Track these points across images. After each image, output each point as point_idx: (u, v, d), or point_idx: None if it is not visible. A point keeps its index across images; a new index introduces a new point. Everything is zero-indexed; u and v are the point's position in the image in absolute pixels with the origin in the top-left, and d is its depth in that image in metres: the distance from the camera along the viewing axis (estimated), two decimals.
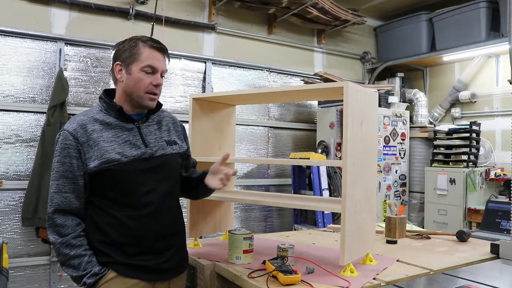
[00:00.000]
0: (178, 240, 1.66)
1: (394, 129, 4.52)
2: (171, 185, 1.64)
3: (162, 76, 1.61)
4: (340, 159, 1.98)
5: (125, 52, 1.56)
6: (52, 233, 1.49)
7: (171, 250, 1.61)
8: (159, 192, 1.58)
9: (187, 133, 1.96)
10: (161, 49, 1.60)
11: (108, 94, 1.63)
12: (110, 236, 1.51)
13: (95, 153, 1.48)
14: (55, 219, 1.48)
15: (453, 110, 4.77)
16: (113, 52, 1.63)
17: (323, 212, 3.94)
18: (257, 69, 4.50)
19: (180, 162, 1.72)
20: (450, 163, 4.22)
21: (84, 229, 1.51)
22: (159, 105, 1.68)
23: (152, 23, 3.53)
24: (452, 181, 4.10)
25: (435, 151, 4.36)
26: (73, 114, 3.31)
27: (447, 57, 4.59)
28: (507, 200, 3.58)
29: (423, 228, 3.53)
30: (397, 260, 1.85)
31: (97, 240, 1.51)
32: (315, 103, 4.85)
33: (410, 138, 4.69)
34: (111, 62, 1.64)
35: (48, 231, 1.50)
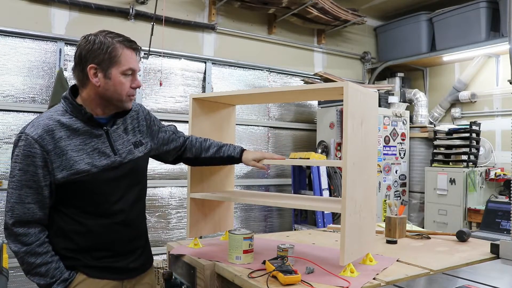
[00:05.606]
0: (144, 241, 1.68)
1: (394, 129, 4.51)
2: (139, 189, 1.62)
3: None
4: (340, 159, 1.98)
5: (101, 55, 1.42)
6: (13, 242, 1.40)
7: (138, 251, 1.62)
8: (129, 199, 1.55)
9: (185, 133, 1.96)
10: (136, 48, 1.51)
11: (74, 92, 1.51)
12: (77, 243, 1.47)
13: (63, 162, 1.41)
14: (16, 229, 1.39)
15: (453, 110, 4.77)
16: (81, 50, 1.44)
17: (323, 212, 3.94)
18: (257, 69, 4.50)
19: (148, 163, 1.69)
20: (450, 163, 4.22)
21: (47, 235, 1.45)
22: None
23: (152, 23, 3.52)
24: (452, 181, 4.10)
25: (435, 151, 4.36)
26: None
27: (447, 57, 4.59)
28: (507, 200, 3.58)
29: (423, 228, 3.53)
30: (397, 260, 1.85)
31: (63, 248, 1.47)
32: (315, 103, 4.85)
33: (410, 138, 4.69)
34: (76, 60, 1.46)
35: (8, 240, 1.41)
